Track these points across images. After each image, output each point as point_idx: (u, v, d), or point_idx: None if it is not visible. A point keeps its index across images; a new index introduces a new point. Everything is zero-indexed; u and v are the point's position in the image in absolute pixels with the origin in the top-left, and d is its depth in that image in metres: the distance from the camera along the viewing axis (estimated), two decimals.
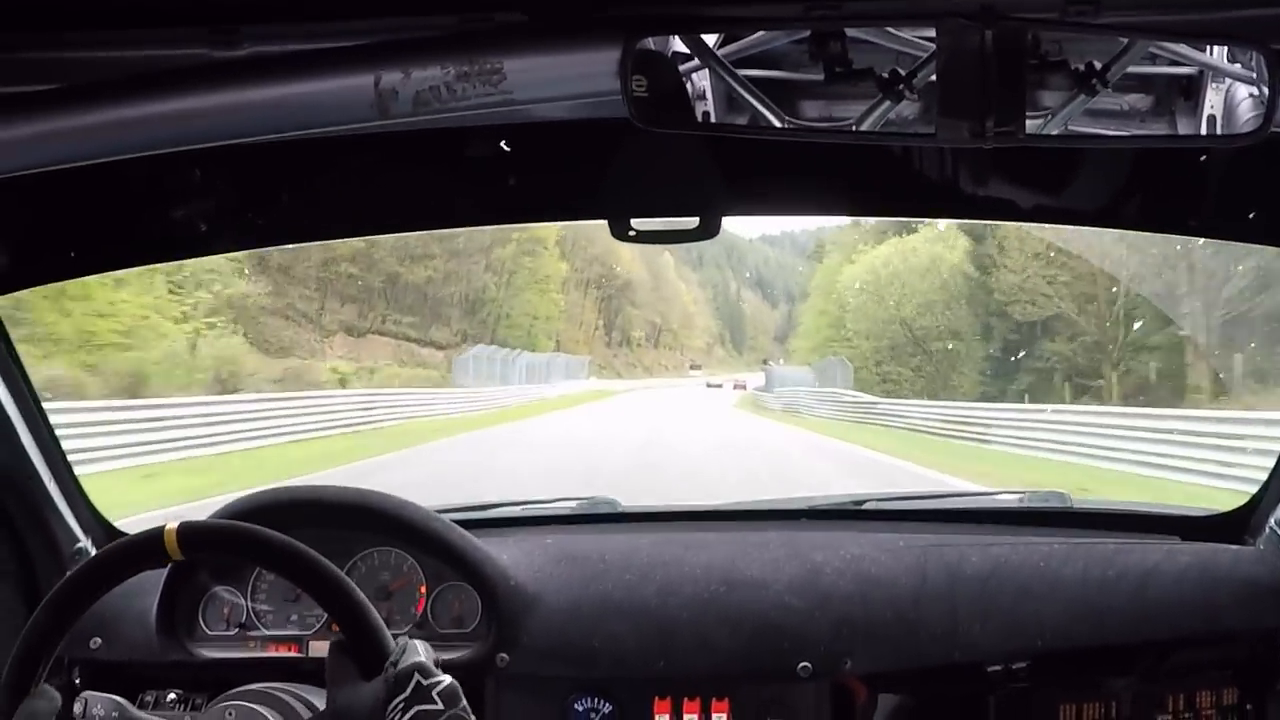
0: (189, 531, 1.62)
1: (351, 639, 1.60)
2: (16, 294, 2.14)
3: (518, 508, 2.77)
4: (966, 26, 1.25)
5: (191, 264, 24.20)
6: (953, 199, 2.07)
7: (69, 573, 1.69)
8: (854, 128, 1.42)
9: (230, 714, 1.71)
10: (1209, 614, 2.07)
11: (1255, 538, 2.32)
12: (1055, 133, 1.44)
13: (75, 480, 2.36)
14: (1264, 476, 2.32)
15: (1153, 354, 27.84)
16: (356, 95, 1.36)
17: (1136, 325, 29.12)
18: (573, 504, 2.76)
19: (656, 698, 2.09)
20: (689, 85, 1.47)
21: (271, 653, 2.18)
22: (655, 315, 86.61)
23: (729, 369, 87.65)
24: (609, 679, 2.09)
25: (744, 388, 58.40)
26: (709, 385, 65.86)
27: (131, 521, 2.46)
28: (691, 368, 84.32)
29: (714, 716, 2.09)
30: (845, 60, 1.41)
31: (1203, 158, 1.89)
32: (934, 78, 1.30)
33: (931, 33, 1.30)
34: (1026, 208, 2.07)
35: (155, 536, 1.62)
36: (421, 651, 1.58)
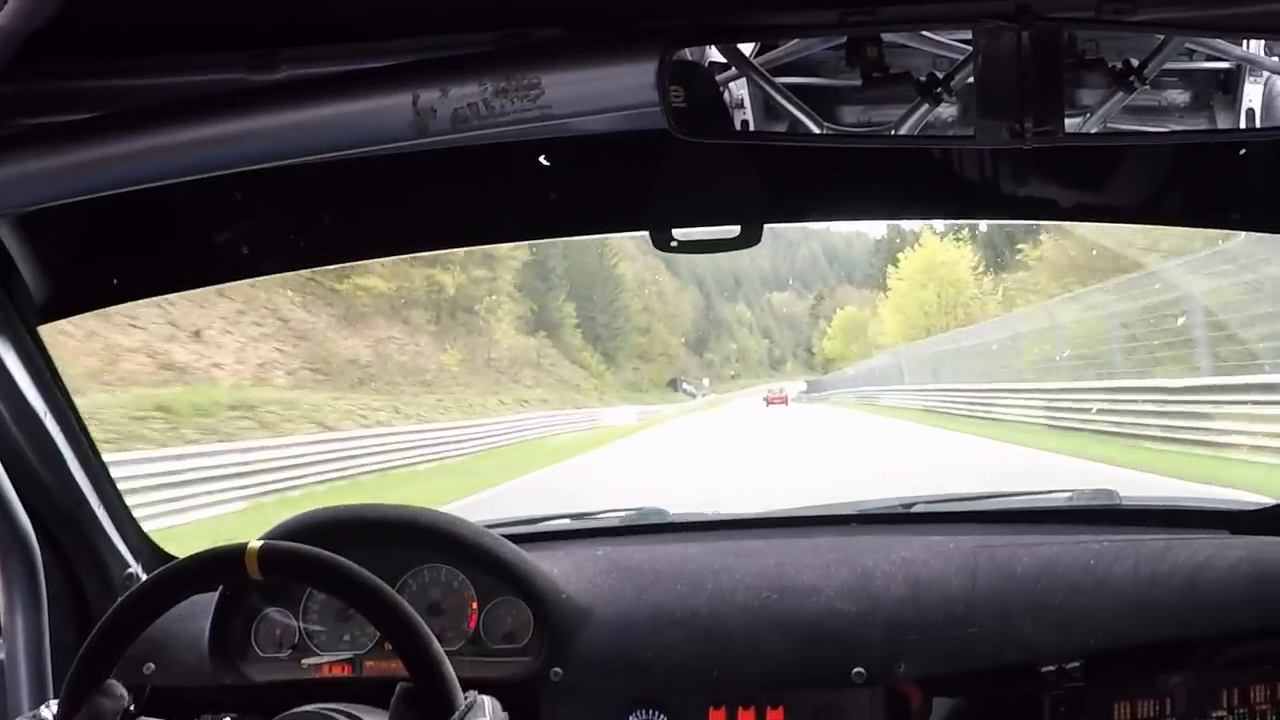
0: (271, 553, 1.60)
1: (421, 688, 1.58)
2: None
3: (567, 520, 2.77)
4: (1003, 28, 1.26)
5: None
6: (994, 200, 2.07)
7: (152, 575, 1.66)
8: (892, 132, 1.42)
9: None
10: (1261, 608, 2.04)
11: None
12: (1094, 131, 1.44)
13: (124, 506, 2.35)
14: None
15: None
16: (395, 115, 1.38)
17: None
18: (622, 514, 2.75)
19: (711, 708, 2.07)
20: (727, 94, 1.48)
21: (325, 674, 2.17)
22: None
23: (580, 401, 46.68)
24: (663, 690, 2.08)
25: (784, 401, 51.40)
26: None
27: (181, 549, 2.44)
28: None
29: None
30: (882, 65, 1.42)
31: (1242, 151, 1.88)
32: (971, 80, 1.31)
33: (968, 35, 1.31)
34: (1067, 206, 2.07)
35: (236, 554, 1.60)
36: (489, 710, 1.57)
